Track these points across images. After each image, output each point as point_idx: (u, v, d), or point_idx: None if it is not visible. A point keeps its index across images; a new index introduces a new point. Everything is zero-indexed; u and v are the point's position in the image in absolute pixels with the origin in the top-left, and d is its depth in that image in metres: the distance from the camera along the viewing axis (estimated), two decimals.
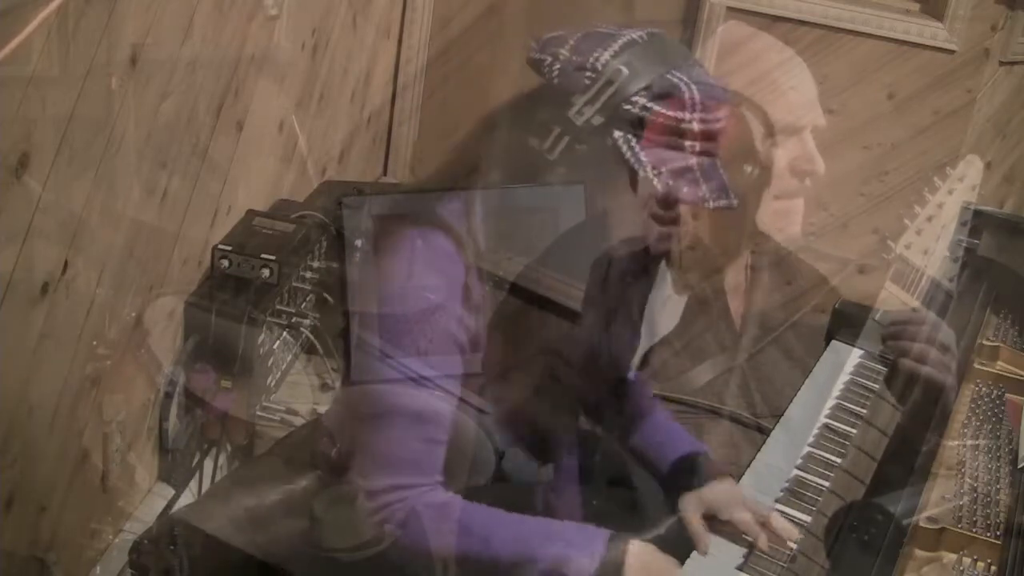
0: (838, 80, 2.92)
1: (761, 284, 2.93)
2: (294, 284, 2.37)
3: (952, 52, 2.85)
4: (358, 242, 1.43)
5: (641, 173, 1.32)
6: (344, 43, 2.80)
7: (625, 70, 1.30)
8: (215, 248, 2.25)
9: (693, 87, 1.32)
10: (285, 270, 2.28)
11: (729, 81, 1.98)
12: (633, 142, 1.32)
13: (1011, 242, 1.97)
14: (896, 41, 2.87)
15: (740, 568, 1.44)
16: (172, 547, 1.55)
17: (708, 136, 1.34)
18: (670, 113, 1.31)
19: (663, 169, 1.33)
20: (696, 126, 1.32)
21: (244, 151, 2.33)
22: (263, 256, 2.26)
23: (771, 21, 2.90)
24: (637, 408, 1.70)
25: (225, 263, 2.25)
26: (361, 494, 1.40)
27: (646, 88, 1.31)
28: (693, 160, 1.33)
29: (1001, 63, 2.88)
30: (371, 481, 1.39)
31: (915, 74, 2.89)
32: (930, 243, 1.88)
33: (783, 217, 1.87)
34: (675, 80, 1.32)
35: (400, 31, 3.16)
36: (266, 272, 2.25)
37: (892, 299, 1.84)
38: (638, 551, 1.35)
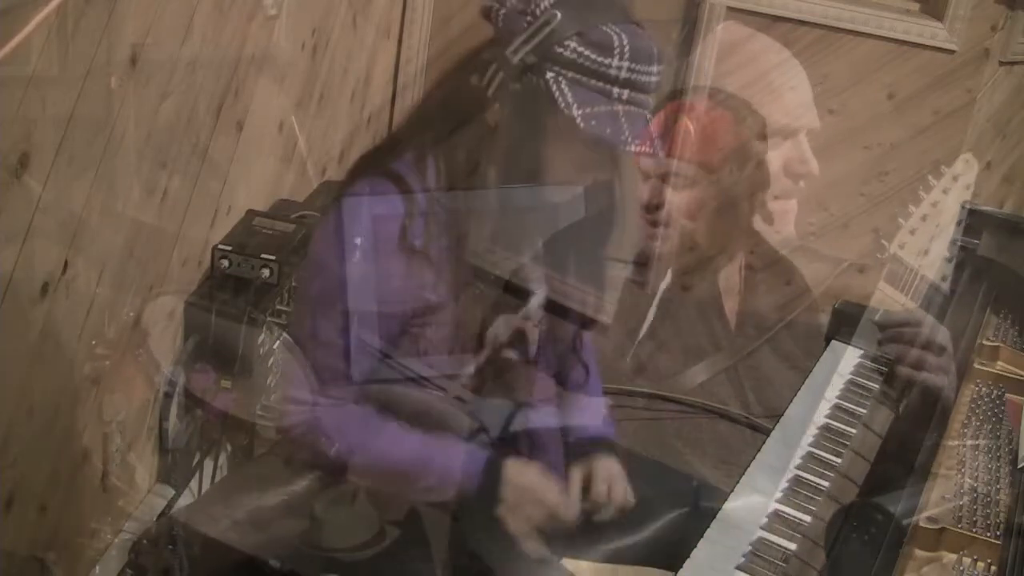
0: (838, 80, 2.91)
1: (756, 285, 2.94)
2: (294, 284, 2.37)
3: (952, 52, 2.84)
4: (357, 240, 1.46)
5: (567, 112, 1.40)
6: (344, 43, 2.80)
7: (559, 14, 1.39)
8: (215, 248, 2.25)
9: (624, 37, 1.40)
10: (285, 270, 2.28)
11: (727, 82, 1.98)
12: (563, 83, 1.41)
13: (1011, 242, 1.97)
14: (896, 41, 2.87)
15: (739, 568, 1.44)
16: (171, 547, 1.55)
17: (634, 85, 1.42)
18: (598, 58, 1.39)
19: (588, 110, 1.40)
20: (623, 73, 1.40)
21: (244, 151, 2.33)
22: (263, 256, 2.26)
23: (771, 21, 2.90)
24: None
25: (225, 263, 2.25)
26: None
27: (579, 34, 1.39)
28: (619, 107, 1.41)
29: (1001, 63, 2.88)
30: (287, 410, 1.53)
31: (915, 74, 2.89)
32: (925, 243, 1.89)
33: (778, 218, 1.87)
34: (608, 29, 1.40)
35: (400, 31, 3.16)
36: (266, 272, 2.26)
37: (886, 299, 1.85)
38: (518, 471, 1.50)
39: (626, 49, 1.39)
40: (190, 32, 1.98)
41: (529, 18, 1.41)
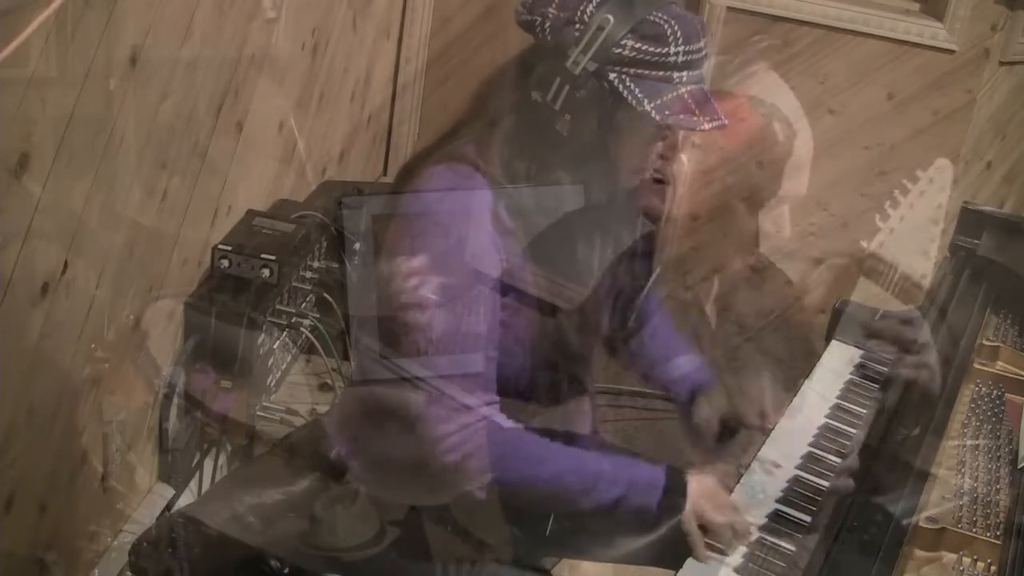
0: (838, 80, 2.91)
1: (756, 285, 2.94)
2: (294, 284, 2.37)
3: (952, 52, 2.84)
4: (357, 245, 1.46)
5: (639, 108, 1.42)
6: (344, 43, 2.80)
7: (611, 17, 1.40)
8: (215, 248, 2.25)
9: (674, 23, 1.42)
10: (285, 270, 2.28)
11: (728, 82, 1.99)
12: (627, 81, 1.42)
13: (1011, 242, 1.97)
14: (896, 41, 2.87)
15: (739, 569, 1.44)
16: (171, 548, 1.56)
17: (692, 65, 1.44)
18: (656, 49, 1.41)
19: (658, 101, 1.42)
20: (681, 57, 1.42)
21: (244, 151, 2.33)
22: (263, 256, 2.26)
23: (771, 21, 2.90)
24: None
25: (225, 263, 2.25)
26: (429, 445, 1.46)
27: (632, 31, 1.41)
28: (683, 89, 1.43)
29: (1001, 63, 2.88)
30: (435, 428, 1.45)
31: (915, 74, 2.88)
32: (902, 242, 1.92)
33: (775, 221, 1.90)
34: (657, 20, 1.42)
35: (400, 31, 3.16)
36: (266, 272, 2.25)
37: (869, 298, 1.88)
38: (699, 480, 1.51)
39: (678, 33, 1.41)
40: (190, 32, 1.98)
41: (578, 26, 1.41)
